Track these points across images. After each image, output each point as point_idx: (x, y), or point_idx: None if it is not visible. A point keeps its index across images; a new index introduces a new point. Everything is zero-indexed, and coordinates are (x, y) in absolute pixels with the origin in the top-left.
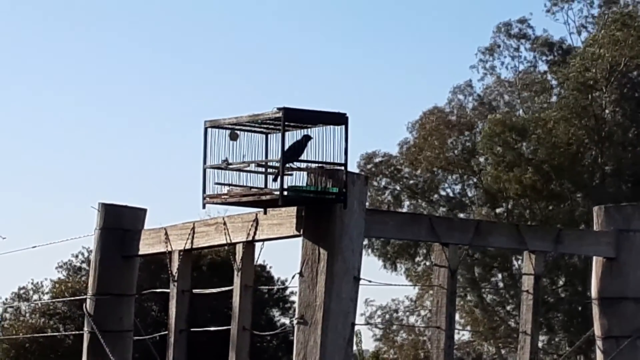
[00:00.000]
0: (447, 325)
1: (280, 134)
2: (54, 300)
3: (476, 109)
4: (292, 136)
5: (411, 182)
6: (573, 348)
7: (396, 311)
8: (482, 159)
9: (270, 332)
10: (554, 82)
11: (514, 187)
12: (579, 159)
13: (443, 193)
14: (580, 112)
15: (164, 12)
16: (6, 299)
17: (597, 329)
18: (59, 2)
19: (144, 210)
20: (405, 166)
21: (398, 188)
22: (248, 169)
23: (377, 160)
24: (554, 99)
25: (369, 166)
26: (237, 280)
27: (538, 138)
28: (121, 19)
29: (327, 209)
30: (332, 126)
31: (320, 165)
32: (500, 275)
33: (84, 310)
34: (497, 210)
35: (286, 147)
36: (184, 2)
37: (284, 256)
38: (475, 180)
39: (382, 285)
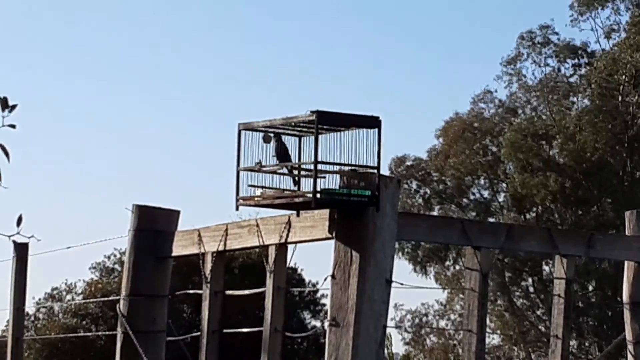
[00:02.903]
0: (478, 329)
1: (313, 137)
2: (87, 301)
3: (499, 115)
4: (326, 139)
5: (441, 186)
6: (604, 353)
7: (426, 315)
8: (509, 164)
9: (302, 334)
10: (579, 87)
11: (541, 192)
12: (606, 163)
13: (472, 197)
14: (606, 117)
15: (195, 17)
16: (39, 299)
17: (628, 334)
18: (98, 5)
19: (178, 212)
20: (433, 171)
21: (428, 192)
22: (281, 171)
23: (408, 163)
24: (579, 104)
25: (399, 169)
26: (269, 282)
27: (562, 143)
28: (154, 24)
29: (360, 212)
30: (365, 129)
31: (353, 168)
32: (530, 280)
33: (118, 311)
34: (527, 216)
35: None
36: (215, 7)
37: (314, 258)
38: (504, 185)
39: (413, 288)
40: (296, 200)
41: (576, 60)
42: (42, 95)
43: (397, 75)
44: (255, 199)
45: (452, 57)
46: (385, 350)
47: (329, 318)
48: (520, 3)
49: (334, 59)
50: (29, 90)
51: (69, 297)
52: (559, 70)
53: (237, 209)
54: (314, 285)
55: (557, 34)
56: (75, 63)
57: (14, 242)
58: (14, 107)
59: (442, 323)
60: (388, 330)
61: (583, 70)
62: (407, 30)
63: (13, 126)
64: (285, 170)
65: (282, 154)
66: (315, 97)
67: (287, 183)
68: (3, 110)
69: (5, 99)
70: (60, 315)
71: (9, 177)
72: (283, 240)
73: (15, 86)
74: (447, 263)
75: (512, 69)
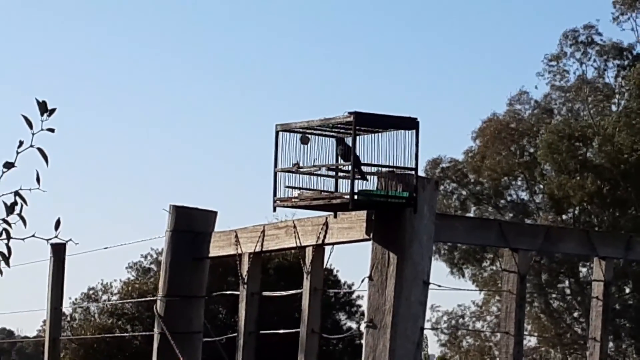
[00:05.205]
0: (516, 331)
1: (351, 138)
2: (123, 301)
3: (536, 116)
4: (363, 141)
5: (477, 188)
6: None
7: (462, 317)
8: (546, 166)
9: (339, 336)
10: (622, 88)
11: (578, 194)
12: None
13: (509, 199)
14: None
15: (232, 21)
16: (76, 299)
17: None
18: (137, 12)
19: (215, 213)
20: (470, 173)
21: (464, 193)
22: (319, 172)
23: (443, 165)
24: (619, 105)
25: (435, 171)
26: (306, 283)
27: (600, 145)
28: (188, 28)
29: (397, 213)
30: (402, 131)
31: (390, 169)
32: (567, 282)
33: (155, 311)
34: (564, 217)
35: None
36: (255, 11)
37: (349, 260)
38: (541, 186)
39: (451, 289)
40: (334, 201)
41: (621, 62)
42: (80, 98)
43: (432, 77)
44: (293, 200)
45: (488, 58)
46: (422, 352)
47: (366, 319)
48: (559, 4)
49: (370, 60)
50: (68, 93)
51: (105, 297)
52: (604, 70)
53: (274, 210)
54: (349, 287)
55: (600, 34)
56: (113, 67)
57: (51, 243)
58: (52, 111)
59: (479, 325)
60: (424, 331)
61: (626, 72)
62: (444, 31)
63: (52, 130)
64: (323, 171)
65: (347, 154)
66: (352, 98)
67: (324, 184)
68: (42, 114)
69: (44, 103)
70: (96, 316)
71: (49, 180)
72: (320, 242)
73: (54, 89)
74: (484, 264)
75: (555, 66)
